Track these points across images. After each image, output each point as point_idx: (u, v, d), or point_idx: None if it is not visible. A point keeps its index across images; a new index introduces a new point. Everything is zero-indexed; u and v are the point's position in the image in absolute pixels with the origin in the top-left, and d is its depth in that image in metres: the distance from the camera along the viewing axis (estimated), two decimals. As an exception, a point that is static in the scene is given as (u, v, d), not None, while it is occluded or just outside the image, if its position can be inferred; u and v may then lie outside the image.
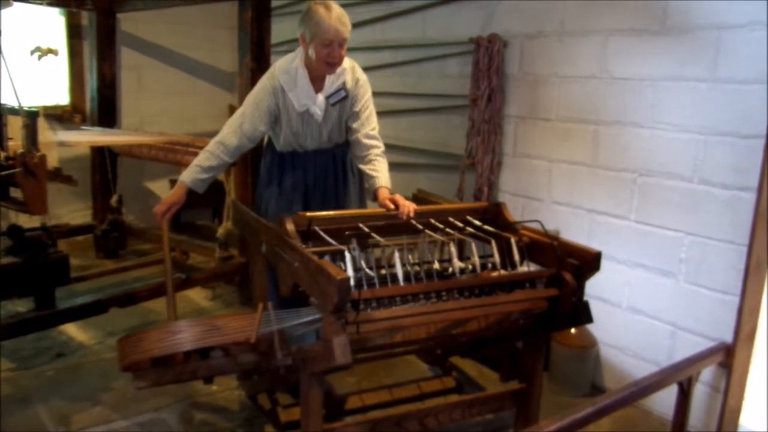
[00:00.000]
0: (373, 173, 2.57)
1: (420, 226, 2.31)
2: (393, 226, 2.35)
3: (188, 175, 2.58)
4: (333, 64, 2.50)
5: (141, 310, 3.51)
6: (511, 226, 2.37)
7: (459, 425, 2.56)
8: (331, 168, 2.80)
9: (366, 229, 2.22)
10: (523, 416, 2.41)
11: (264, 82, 2.64)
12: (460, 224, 2.38)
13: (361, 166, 2.65)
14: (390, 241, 2.20)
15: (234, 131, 2.59)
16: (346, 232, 2.12)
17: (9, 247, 2.86)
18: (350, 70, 2.65)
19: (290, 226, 2.12)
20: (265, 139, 2.90)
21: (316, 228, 2.20)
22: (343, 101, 2.65)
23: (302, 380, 1.99)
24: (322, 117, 2.65)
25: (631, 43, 2.75)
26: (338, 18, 2.42)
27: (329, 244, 2.11)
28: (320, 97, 2.61)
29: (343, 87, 2.63)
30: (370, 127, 2.67)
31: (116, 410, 2.66)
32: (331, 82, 2.61)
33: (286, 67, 2.60)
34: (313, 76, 2.58)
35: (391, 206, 2.39)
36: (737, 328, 2.43)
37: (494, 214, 2.47)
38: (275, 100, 2.60)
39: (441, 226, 2.35)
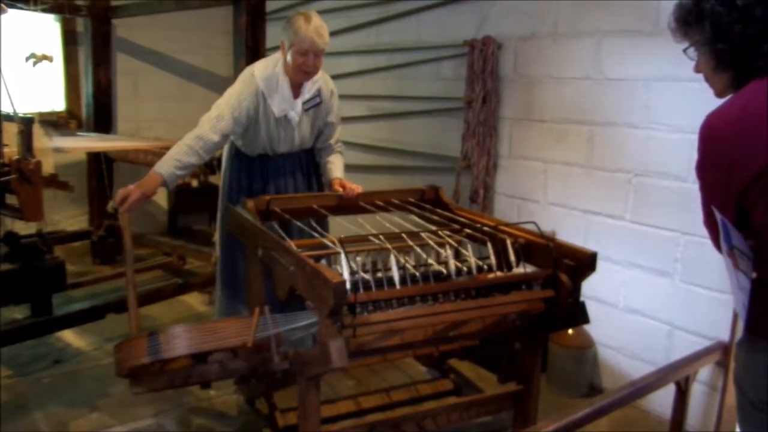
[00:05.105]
0: (332, 167, 2.89)
1: (367, 206, 2.66)
2: (344, 207, 2.71)
3: (166, 168, 2.49)
4: (307, 72, 2.64)
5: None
6: (448, 207, 2.70)
7: (457, 427, 2.55)
8: (299, 170, 2.93)
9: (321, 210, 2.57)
10: (522, 417, 2.41)
11: (245, 84, 2.67)
12: (398, 202, 2.72)
13: (323, 161, 2.95)
14: (389, 244, 2.20)
15: (213, 127, 2.58)
16: (341, 236, 2.12)
17: (5, 254, 2.85)
18: (323, 80, 2.81)
19: (250, 205, 2.45)
20: (225, 149, 2.93)
21: (275, 208, 2.53)
22: (316, 108, 2.80)
23: (299, 384, 1.99)
24: (298, 121, 2.77)
25: (624, 44, 2.76)
26: (316, 29, 2.54)
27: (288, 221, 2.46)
28: (298, 103, 2.74)
29: (319, 94, 2.78)
30: (338, 135, 2.99)
31: (114, 416, 2.66)
32: (307, 89, 2.74)
33: (267, 74, 2.68)
34: (292, 83, 2.69)
35: (340, 189, 2.75)
36: (734, 327, 2.44)
37: (433, 197, 2.83)
38: (256, 102, 2.67)
39: (381, 203, 2.69)
